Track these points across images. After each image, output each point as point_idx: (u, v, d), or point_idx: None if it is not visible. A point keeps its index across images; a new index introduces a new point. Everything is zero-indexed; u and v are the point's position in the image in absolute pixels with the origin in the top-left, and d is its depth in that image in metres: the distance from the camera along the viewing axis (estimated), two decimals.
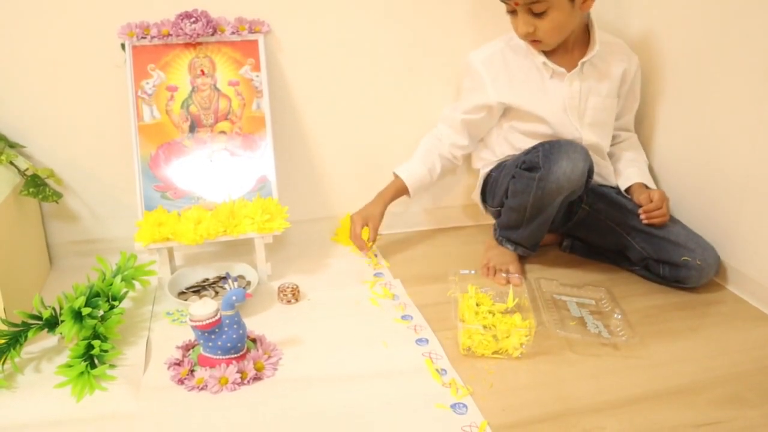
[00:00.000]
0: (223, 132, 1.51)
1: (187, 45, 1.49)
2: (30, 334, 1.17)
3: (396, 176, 1.61)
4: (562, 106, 1.51)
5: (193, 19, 1.46)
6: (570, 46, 1.51)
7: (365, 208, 1.59)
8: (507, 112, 1.56)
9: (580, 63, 1.49)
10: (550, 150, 1.39)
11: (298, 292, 1.42)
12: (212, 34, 1.49)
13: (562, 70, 1.50)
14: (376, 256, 1.64)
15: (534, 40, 1.46)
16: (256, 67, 1.52)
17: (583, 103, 1.52)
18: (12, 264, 1.30)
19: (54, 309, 1.21)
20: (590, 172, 1.42)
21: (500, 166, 1.58)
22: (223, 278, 1.47)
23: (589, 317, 1.34)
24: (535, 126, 1.53)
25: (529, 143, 1.52)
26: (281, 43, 1.57)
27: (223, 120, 1.51)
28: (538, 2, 1.37)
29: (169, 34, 1.47)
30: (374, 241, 1.60)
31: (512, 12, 1.44)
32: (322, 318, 1.35)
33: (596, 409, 1.08)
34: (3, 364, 1.13)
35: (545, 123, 1.52)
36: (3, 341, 1.14)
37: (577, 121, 1.52)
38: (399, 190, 1.60)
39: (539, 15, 1.40)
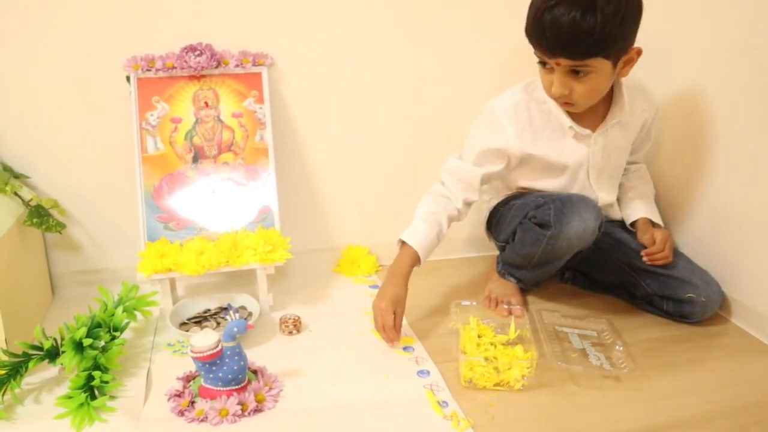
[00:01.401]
0: (226, 163, 1.52)
1: (191, 77, 1.51)
2: (31, 364, 1.17)
3: (404, 244, 1.40)
4: (584, 167, 1.46)
5: (198, 52, 1.48)
6: (596, 106, 1.39)
7: (388, 291, 1.35)
8: (525, 165, 1.48)
9: (611, 124, 1.42)
10: (562, 209, 1.35)
11: (300, 323, 1.42)
12: (216, 67, 1.51)
13: (587, 131, 1.42)
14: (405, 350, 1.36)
15: (566, 102, 1.35)
16: (260, 99, 1.54)
17: (605, 161, 1.47)
18: (14, 294, 1.30)
19: (55, 339, 1.21)
20: (600, 227, 1.38)
21: (507, 202, 1.55)
22: (225, 309, 1.47)
23: (591, 349, 1.33)
24: (552, 181, 1.48)
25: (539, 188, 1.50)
26: (284, 76, 1.59)
27: (227, 151, 1.52)
28: (583, 66, 1.26)
29: (173, 67, 1.49)
30: (400, 329, 1.36)
31: (548, 69, 1.32)
32: (323, 349, 1.35)
33: None
34: (3, 395, 1.13)
35: (565, 180, 1.48)
36: (3, 372, 1.14)
37: (595, 183, 1.49)
38: (413, 260, 1.39)
39: (579, 77, 1.28)
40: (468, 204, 1.45)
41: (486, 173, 1.43)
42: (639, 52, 1.31)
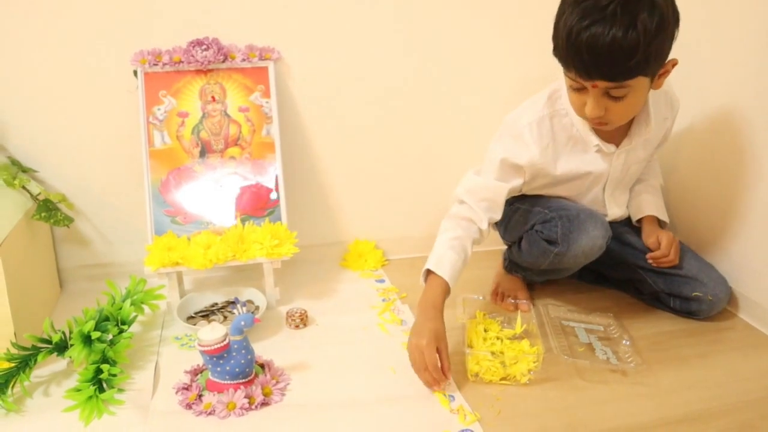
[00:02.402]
0: (233, 157, 1.52)
1: (198, 72, 1.52)
2: (39, 357, 1.17)
3: (431, 274, 1.29)
4: (602, 184, 1.43)
5: (205, 47, 1.48)
6: None
7: (426, 326, 1.20)
8: (535, 180, 1.42)
9: (634, 142, 1.36)
10: (569, 226, 1.32)
11: (307, 317, 1.42)
12: (223, 61, 1.51)
13: (612, 147, 1.36)
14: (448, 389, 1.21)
15: (600, 122, 1.27)
16: (266, 94, 1.54)
17: (623, 173, 1.44)
18: (23, 288, 1.31)
19: (64, 333, 1.22)
20: (608, 242, 1.37)
21: (512, 203, 1.49)
22: (232, 303, 1.47)
23: (598, 343, 1.33)
24: (565, 193, 1.45)
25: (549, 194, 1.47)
26: (291, 70, 1.59)
27: (233, 145, 1.53)
28: (621, 87, 1.16)
29: (180, 61, 1.49)
30: (449, 367, 1.19)
31: (579, 89, 1.23)
32: (330, 343, 1.35)
33: None
34: (12, 387, 1.13)
35: (582, 194, 1.45)
36: (13, 365, 1.15)
37: (609, 197, 1.46)
38: (444, 291, 1.26)
39: (616, 98, 1.19)
40: (492, 221, 1.36)
41: (512, 188, 1.36)
42: (674, 64, 1.22)
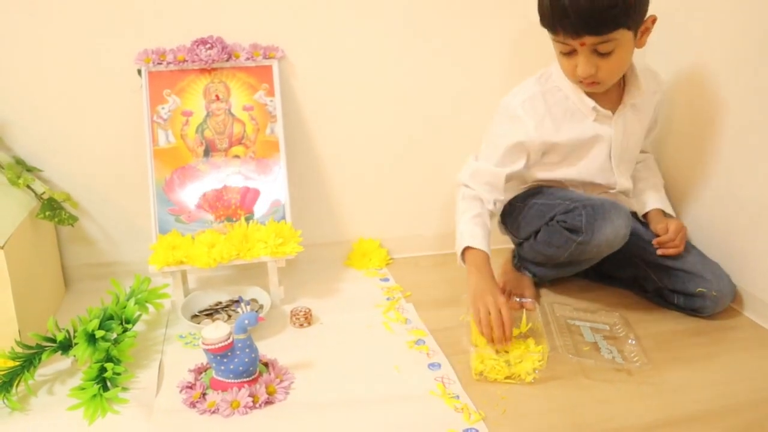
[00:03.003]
0: (237, 156, 1.52)
1: (202, 70, 1.51)
2: (44, 356, 1.17)
3: (470, 250, 1.35)
4: (607, 150, 1.45)
5: (209, 45, 1.48)
6: (611, 88, 1.41)
7: (485, 290, 1.26)
8: (544, 156, 1.47)
9: (629, 105, 1.43)
10: (593, 215, 1.33)
11: (311, 316, 1.42)
12: (227, 60, 1.51)
13: (609, 113, 1.42)
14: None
15: (593, 82, 1.34)
16: (270, 92, 1.54)
17: (625, 143, 1.47)
18: (28, 287, 1.31)
19: (68, 331, 1.22)
20: (630, 232, 1.38)
21: (527, 198, 1.51)
22: (236, 302, 1.47)
23: (603, 342, 1.33)
24: (570, 170, 1.47)
25: (562, 183, 1.51)
26: (295, 69, 1.59)
27: (237, 144, 1.52)
28: (607, 42, 1.25)
29: (184, 60, 1.49)
30: (512, 328, 1.24)
31: (569, 53, 1.32)
32: (334, 342, 1.35)
33: None
34: (17, 386, 1.13)
35: (585, 169, 1.47)
36: (17, 363, 1.15)
37: (616, 167, 1.48)
38: (487, 257, 1.35)
39: (604, 55, 1.28)
40: (498, 202, 1.44)
41: (509, 173, 1.42)
42: (654, 20, 1.31)
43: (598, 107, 1.40)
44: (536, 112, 1.40)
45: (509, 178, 1.44)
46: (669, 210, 1.56)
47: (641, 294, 1.54)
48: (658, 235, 1.46)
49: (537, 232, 1.47)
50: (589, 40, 1.25)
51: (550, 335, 1.31)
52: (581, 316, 1.44)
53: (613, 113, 1.42)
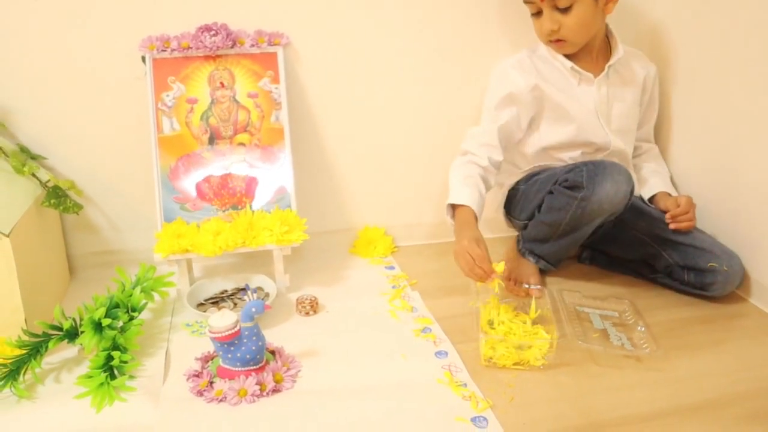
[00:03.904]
0: (242, 144, 1.51)
1: (206, 57, 1.50)
2: (50, 344, 1.17)
3: (456, 207, 1.41)
4: (593, 110, 1.52)
5: (213, 32, 1.47)
6: (594, 54, 1.53)
7: (465, 234, 1.32)
8: (535, 119, 1.55)
9: (606, 66, 1.51)
10: (594, 171, 1.37)
11: (317, 304, 1.41)
12: (232, 47, 1.50)
13: (590, 75, 1.51)
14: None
15: (558, 40, 1.46)
16: (275, 80, 1.53)
17: (610, 108, 1.53)
18: (33, 275, 1.31)
19: (74, 320, 1.22)
20: (632, 193, 1.40)
21: (530, 179, 1.57)
22: (242, 290, 1.47)
23: (612, 329, 1.32)
24: (566, 131, 1.53)
25: (560, 155, 1.54)
26: (300, 56, 1.58)
27: (242, 132, 1.52)
28: None
29: (189, 47, 1.48)
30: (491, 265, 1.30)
31: (537, 14, 1.46)
32: (340, 330, 1.34)
33: (619, 423, 1.06)
34: (24, 374, 1.13)
35: (577, 127, 1.52)
36: (24, 352, 1.14)
37: (606, 125, 1.53)
38: (473, 213, 1.39)
39: (564, 11, 1.41)
40: (494, 163, 1.50)
41: (501, 125, 1.50)
42: None
43: (577, 67, 1.50)
44: (523, 69, 1.52)
45: (505, 132, 1.52)
46: (674, 194, 1.58)
47: (650, 275, 1.53)
48: (668, 211, 1.47)
49: (540, 206, 1.48)
50: None
51: (559, 322, 1.30)
52: (590, 303, 1.43)
53: (596, 77, 1.51)
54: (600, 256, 1.63)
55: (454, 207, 1.42)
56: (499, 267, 1.29)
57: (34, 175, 1.42)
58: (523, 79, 1.50)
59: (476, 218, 1.39)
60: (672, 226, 1.46)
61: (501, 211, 1.67)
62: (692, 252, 1.44)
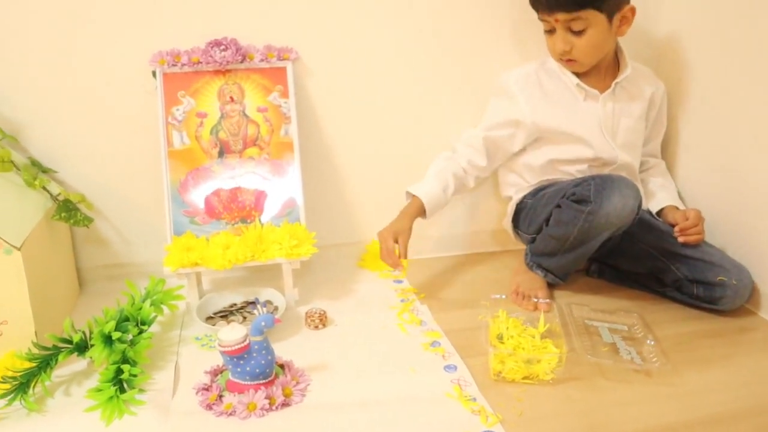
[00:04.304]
0: (251, 158, 1.52)
1: (216, 72, 1.52)
2: (60, 357, 1.17)
3: (411, 196, 1.54)
4: (598, 126, 1.53)
5: (223, 47, 1.48)
6: (602, 71, 1.54)
7: (392, 223, 1.50)
8: (541, 138, 1.56)
9: (613, 84, 1.52)
10: (602, 184, 1.37)
11: (326, 317, 1.42)
12: (241, 62, 1.51)
13: (596, 91, 1.52)
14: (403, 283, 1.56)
15: (569, 60, 1.48)
16: (285, 94, 1.54)
17: (616, 124, 1.53)
18: (44, 288, 1.31)
19: (84, 333, 1.22)
20: (639, 207, 1.40)
21: (537, 193, 1.57)
22: (251, 303, 1.47)
23: (622, 343, 1.32)
24: (572, 148, 1.54)
25: (568, 168, 1.55)
26: (309, 70, 1.59)
27: (252, 146, 1.52)
28: (577, 20, 1.40)
29: (199, 62, 1.49)
30: (405, 256, 1.48)
31: (550, 31, 1.47)
32: (349, 344, 1.34)
33: None
34: (34, 387, 1.14)
35: (583, 143, 1.53)
36: (34, 365, 1.15)
37: (612, 140, 1.53)
38: (418, 207, 1.52)
39: (577, 33, 1.43)
40: (474, 165, 1.58)
41: (487, 136, 1.57)
42: (633, 11, 1.45)
43: (582, 84, 1.52)
44: (527, 86, 1.53)
45: (491, 144, 1.58)
46: (682, 208, 1.57)
47: (658, 289, 1.53)
48: (676, 224, 1.47)
49: (548, 220, 1.48)
50: (561, 16, 1.41)
51: (568, 336, 1.30)
52: (599, 317, 1.43)
53: (602, 93, 1.53)
54: (608, 269, 1.63)
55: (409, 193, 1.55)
56: (405, 263, 1.49)
57: (45, 188, 1.43)
58: (526, 103, 1.52)
59: (423, 211, 1.51)
60: (681, 240, 1.45)
61: (509, 225, 1.67)
62: (701, 266, 1.43)
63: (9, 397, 1.11)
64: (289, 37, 1.55)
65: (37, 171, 1.46)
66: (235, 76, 1.53)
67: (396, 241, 1.47)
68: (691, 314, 1.46)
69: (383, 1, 1.58)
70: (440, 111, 1.70)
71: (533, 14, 1.48)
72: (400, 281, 1.64)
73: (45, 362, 1.16)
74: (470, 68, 1.68)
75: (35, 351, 1.17)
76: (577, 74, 1.52)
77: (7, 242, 1.18)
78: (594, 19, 1.40)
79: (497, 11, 1.64)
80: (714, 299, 1.42)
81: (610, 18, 1.42)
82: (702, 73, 1.56)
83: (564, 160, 1.56)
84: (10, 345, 1.22)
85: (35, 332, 1.23)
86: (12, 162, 1.37)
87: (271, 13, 1.53)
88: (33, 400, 1.12)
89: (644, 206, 1.58)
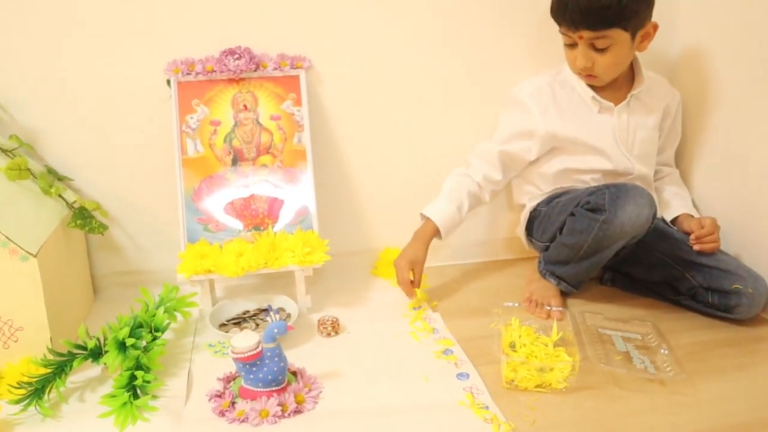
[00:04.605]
0: (264, 165, 1.53)
1: (230, 80, 1.53)
2: (75, 363, 1.18)
3: (425, 218, 1.54)
4: (613, 138, 1.52)
5: (237, 56, 1.49)
6: (618, 83, 1.53)
7: (407, 251, 1.51)
8: (556, 148, 1.56)
9: (629, 96, 1.52)
10: (617, 193, 1.37)
11: (338, 325, 1.42)
12: (255, 70, 1.52)
13: (610, 104, 1.52)
14: (420, 308, 1.52)
15: (590, 75, 1.47)
16: (298, 102, 1.55)
17: (631, 135, 1.53)
18: (59, 294, 1.32)
19: (98, 339, 1.23)
20: (654, 217, 1.39)
21: (551, 201, 1.56)
22: (264, 310, 1.47)
23: (635, 352, 1.31)
24: (588, 158, 1.54)
25: (583, 177, 1.55)
26: (322, 78, 1.60)
27: (265, 153, 1.53)
28: (603, 38, 1.39)
29: (213, 71, 1.51)
30: (420, 285, 1.51)
31: (571, 45, 1.46)
32: (362, 351, 1.34)
33: None
34: (49, 393, 1.15)
35: (599, 153, 1.52)
36: (49, 370, 1.16)
37: (628, 152, 1.53)
38: (433, 231, 1.53)
39: (600, 50, 1.42)
40: (490, 180, 1.57)
41: (503, 149, 1.56)
42: (655, 27, 1.44)
43: (598, 97, 1.51)
44: (541, 99, 1.53)
45: (506, 158, 1.57)
46: (697, 216, 1.57)
47: (673, 297, 1.52)
48: (692, 232, 1.46)
49: (561, 228, 1.48)
50: (585, 34, 1.40)
51: (581, 344, 1.29)
52: (613, 326, 1.42)
53: (617, 105, 1.52)
54: (622, 277, 1.62)
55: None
56: (421, 294, 1.51)
57: (61, 196, 1.44)
58: (541, 115, 1.51)
59: (438, 233, 1.52)
60: (696, 248, 1.44)
61: (522, 232, 1.66)
62: (717, 274, 1.42)
63: (24, 403, 1.12)
64: (303, 45, 1.56)
65: (53, 179, 1.48)
66: (248, 84, 1.54)
67: (412, 270, 1.49)
68: (706, 323, 1.44)
69: (396, 10, 1.58)
70: (453, 119, 1.70)
71: (551, 26, 1.47)
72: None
73: (60, 368, 1.17)
74: (484, 77, 1.68)
75: (50, 357, 1.18)
76: (592, 86, 1.52)
77: (23, 249, 1.20)
78: (618, 37, 1.39)
79: (515, 21, 1.65)
80: (729, 308, 1.41)
81: (633, 35, 1.41)
82: (717, 81, 1.56)
83: (579, 170, 1.55)
84: (26, 351, 1.23)
85: (50, 338, 1.25)
86: (29, 170, 1.39)
87: (285, 22, 1.54)
88: (48, 406, 1.13)
89: (659, 215, 1.58)
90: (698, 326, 1.44)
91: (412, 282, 1.49)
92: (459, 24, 1.63)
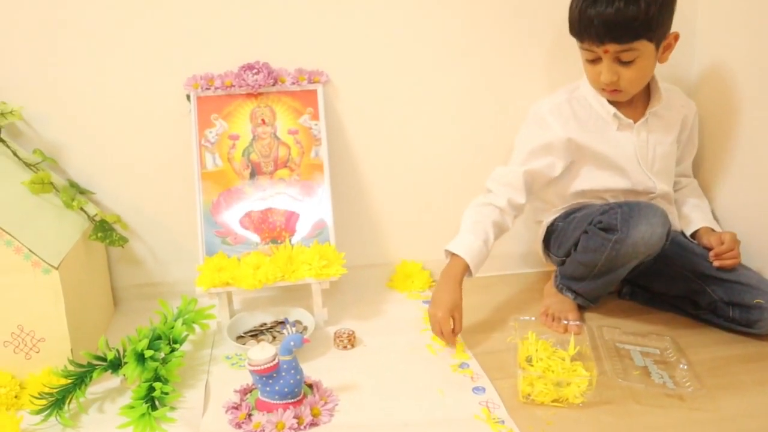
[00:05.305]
0: (282, 179, 1.54)
1: (248, 95, 1.54)
2: (95, 374, 1.20)
3: (451, 255, 1.43)
4: (634, 155, 1.50)
5: (255, 71, 1.51)
6: (635, 100, 1.50)
7: (444, 297, 1.39)
8: (576, 162, 1.53)
9: (647, 113, 1.49)
10: (629, 213, 1.35)
11: (354, 338, 1.42)
12: (273, 85, 1.54)
13: (630, 121, 1.49)
14: (464, 351, 1.39)
15: (614, 90, 1.44)
16: (315, 116, 1.56)
17: (651, 152, 1.51)
18: (80, 306, 1.34)
19: (118, 351, 1.24)
20: (668, 235, 1.37)
21: (567, 216, 1.55)
22: (281, 323, 1.48)
23: (654, 367, 1.30)
24: (608, 178, 1.52)
25: (600, 193, 1.53)
26: (339, 93, 1.61)
27: (283, 167, 1.55)
28: (629, 50, 1.36)
29: (232, 86, 1.53)
30: (461, 330, 1.40)
31: (594, 60, 1.42)
32: (378, 364, 1.34)
33: None
34: (69, 403, 1.16)
35: (620, 172, 1.51)
36: (69, 381, 1.17)
37: (648, 171, 1.51)
38: (464, 268, 1.41)
39: (626, 63, 1.38)
40: (514, 205, 1.48)
41: (528, 170, 1.49)
42: (677, 37, 1.42)
43: (619, 114, 1.48)
44: (561, 115, 1.49)
45: (531, 178, 1.50)
46: (717, 229, 1.55)
47: (693, 311, 1.50)
48: (711, 248, 1.45)
49: (577, 244, 1.46)
50: (612, 47, 1.36)
51: (598, 359, 1.29)
52: (631, 340, 1.40)
53: (636, 122, 1.50)
54: (641, 291, 1.60)
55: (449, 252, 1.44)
56: (460, 345, 1.40)
57: (82, 209, 1.46)
58: (561, 128, 1.48)
59: (468, 270, 1.41)
60: (716, 264, 1.43)
61: (540, 246, 1.66)
62: (738, 288, 1.40)
63: (45, 413, 1.14)
64: (320, 60, 1.57)
65: (75, 192, 1.50)
66: (266, 99, 1.55)
67: (452, 317, 1.38)
68: (727, 338, 1.43)
69: (413, 25, 1.60)
70: (471, 135, 1.71)
71: (568, 38, 1.45)
72: (428, 302, 1.63)
73: (80, 379, 1.18)
74: (502, 91, 1.68)
75: (71, 368, 1.20)
76: (612, 103, 1.49)
77: (45, 262, 1.22)
78: (644, 49, 1.36)
79: (533, 33, 1.65)
80: (750, 322, 1.39)
81: (657, 46, 1.39)
82: (737, 92, 1.55)
83: (598, 190, 1.54)
84: (47, 362, 1.25)
85: (71, 350, 1.26)
86: (51, 183, 1.41)
87: (303, 38, 1.56)
88: (68, 416, 1.15)
89: (678, 228, 1.57)
90: (718, 341, 1.42)
91: (452, 330, 1.38)
92: (476, 38, 1.63)
